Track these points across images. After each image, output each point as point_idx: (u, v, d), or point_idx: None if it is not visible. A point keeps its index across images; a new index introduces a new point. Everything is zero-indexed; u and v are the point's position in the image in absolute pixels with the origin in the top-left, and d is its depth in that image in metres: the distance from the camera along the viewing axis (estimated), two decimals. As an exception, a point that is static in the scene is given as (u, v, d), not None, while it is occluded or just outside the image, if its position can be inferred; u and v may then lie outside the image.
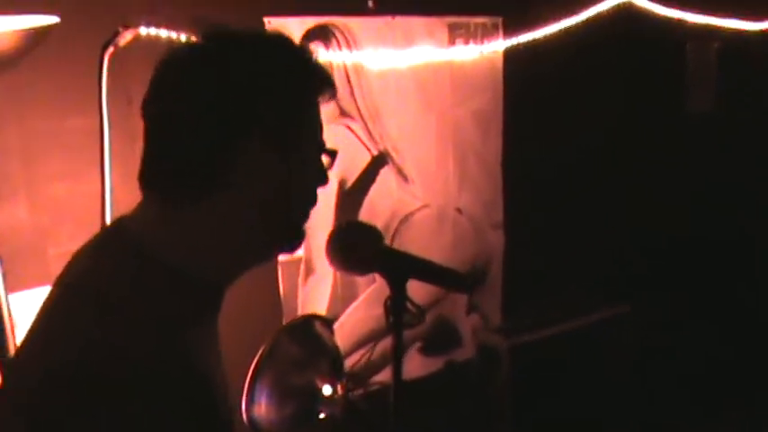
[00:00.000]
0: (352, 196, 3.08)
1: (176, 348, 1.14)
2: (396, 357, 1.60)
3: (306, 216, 1.29)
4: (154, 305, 1.15)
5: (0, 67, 1.70)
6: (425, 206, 3.30)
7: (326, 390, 1.76)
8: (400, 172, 3.19)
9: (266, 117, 1.18)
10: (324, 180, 1.30)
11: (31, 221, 2.41)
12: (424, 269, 1.62)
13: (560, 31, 3.20)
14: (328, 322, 1.93)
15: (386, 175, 3.15)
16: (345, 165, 3.04)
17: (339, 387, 1.77)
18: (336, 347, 1.87)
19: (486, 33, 3.25)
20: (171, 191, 1.20)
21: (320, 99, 1.27)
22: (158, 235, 1.19)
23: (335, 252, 1.55)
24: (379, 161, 3.12)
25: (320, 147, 1.29)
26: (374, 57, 2.97)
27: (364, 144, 3.06)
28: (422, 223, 3.30)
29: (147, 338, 1.11)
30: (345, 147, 3.00)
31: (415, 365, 3.35)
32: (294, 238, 1.30)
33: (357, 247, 1.56)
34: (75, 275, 1.21)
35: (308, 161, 1.26)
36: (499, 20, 3.27)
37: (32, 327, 1.21)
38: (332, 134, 2.93)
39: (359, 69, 2.97)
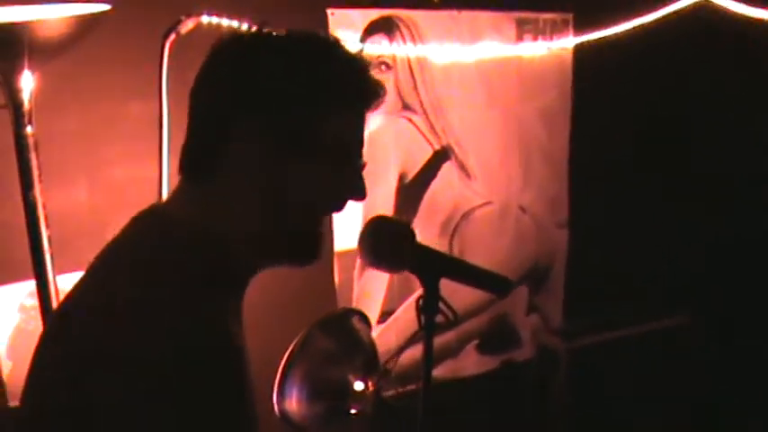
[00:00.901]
0: (412, 190, 3.05)
1: (212, 314, 1.17)
2: (426, 358, 1.60)
3: (316, 222, 1.31)
4: (176, 272, 1.19)
5: (52, 52, 1.74)
6: (488, 203, 3.26)
7: (358, 385, 1.76)
8: (463, 167, 3.15)
9: (260, 111, 1.22)
10: (359, 194, 1.31)
11: (89, 204, 2.46)
12: (458, 269, 1.60)
13: (632, 29, 3.11)
14: (366, 318, 1.92)
15: (448, 170, 3.12)
16: (406, 158, 3.01)
17: (370, 383, 1.77)
18: (373, 343, 1.86)
19: (555, 30, 3.19)
20: (184, 168, 1.30)
21: (347, 111, 1.28)
22: (181, 209, 1.28)
23: (365, 249, 1.54)
24: (442, 156, 3.09)
25: (347, 157, 1.29)
26: (439, 51, 2.94)
27: (426, 138, 3.03)
28: (483, 220, 3.26)
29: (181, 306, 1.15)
30: (407, 140, 2.98)
31: (471, 363, 3.31)
32: (303, 245, 1.31)
33: (387, 244, 1.55)
34: (109, 247, 1.31)
35: (324, 169, 1.26)
36: (570, 16, 3.20)
37: (69, 296, 1.32)
38: (393, 127, 2.96)
39: (423, 63, 2.93)
